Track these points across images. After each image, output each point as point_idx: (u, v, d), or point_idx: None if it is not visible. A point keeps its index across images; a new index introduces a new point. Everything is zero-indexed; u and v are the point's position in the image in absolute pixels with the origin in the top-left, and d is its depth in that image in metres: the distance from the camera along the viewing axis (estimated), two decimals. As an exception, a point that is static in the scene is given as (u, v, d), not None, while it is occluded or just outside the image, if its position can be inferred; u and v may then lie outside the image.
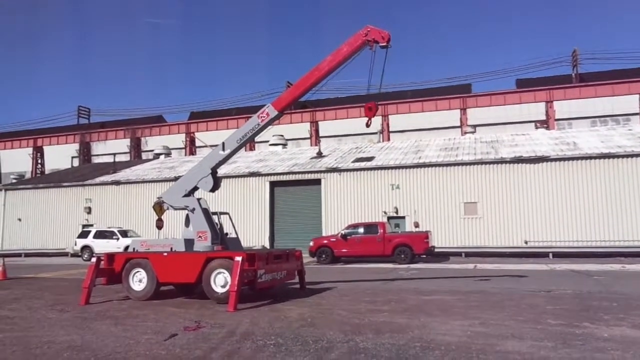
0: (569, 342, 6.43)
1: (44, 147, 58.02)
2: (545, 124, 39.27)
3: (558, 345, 6.23)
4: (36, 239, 35.03)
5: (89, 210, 34.24)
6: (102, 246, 27.34)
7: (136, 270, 11.14)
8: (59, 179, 38.64)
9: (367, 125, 12.72)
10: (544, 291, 11.64)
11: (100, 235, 28.83)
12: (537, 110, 42.89)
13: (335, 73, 12.17)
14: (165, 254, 11.11)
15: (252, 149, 45.38)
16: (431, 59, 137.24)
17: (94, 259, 11.24)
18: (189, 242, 11.56)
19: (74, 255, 30.53)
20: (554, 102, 41.47)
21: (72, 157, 58.14)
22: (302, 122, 47.98)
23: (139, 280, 11.10)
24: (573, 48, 48.69)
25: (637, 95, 40.93)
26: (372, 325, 7.75)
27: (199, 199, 12.00)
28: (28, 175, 53.99)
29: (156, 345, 6.64)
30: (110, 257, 11.64)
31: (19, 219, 35.89)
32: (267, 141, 41.87)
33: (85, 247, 28.81)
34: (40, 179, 45.15)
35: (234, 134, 12.37)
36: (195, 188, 12.27)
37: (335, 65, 11.99)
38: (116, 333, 7.50)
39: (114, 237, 28.14)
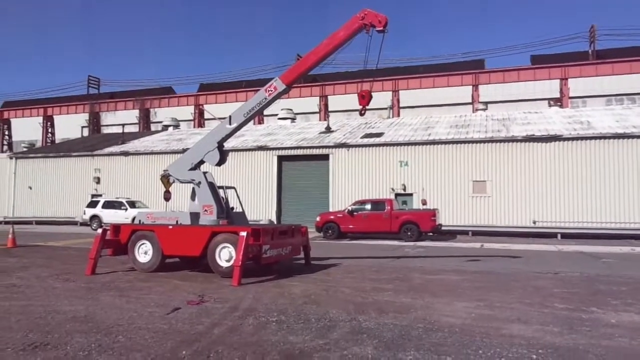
0: (575, 327, 6.33)
1: (54, 117, 58.09)
2: (558, 101, 38.56)
3: (564, 331, 6.14)
4: (46, 207, 35.37)
5: (97, 180, 34.43)
6: (111, 216, 27.58)
7: (142, 242, 11.16)
8: (68, 149, 38.78)
9: (361, 114, 12.37)
10: (551, 273, 11.53)
11: (108, 205, 29.03)
12: (550, 88, 42.05)
13: (335, 54, 11.96)
14: (171, 226, 11.11)
15: (260, 122, 45.12)
16: (444, 34, 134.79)
17: (99, 230, 11.26)
18: (194, 216, 11.54)
19: (83, 224, 30.84)
20: (569, 80, 40.56)
21: (82, 127, 58.27)
22: (311, 96, 47.48)
23: (144, 252, 11.12)
24: (591, 24, 47.48)
25: (656, 74, 39.89)
26: (375, 304, 7.70)
27: (205, 173, 11.92)
28: (39, 144, 54.27)
29: (158, 318, 6.64)
30: (116, 228, 11.66)
31: (30, 187, 36.20)
32: (276, 115, 41.59)
33: (93, 217, 29.06)
34: (50, 148, 45.35)
35: (241, 108, 12.20)
36: (202, 162, 12.18)
37: (332, 48, 11.77)
38: (120, 305, 7.52)
39: (122, 207, 28.32)
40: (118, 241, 11.42)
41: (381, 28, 11.33)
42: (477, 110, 36.27)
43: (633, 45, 43.09)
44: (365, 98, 11.91)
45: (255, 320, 6.55)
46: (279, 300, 7.97)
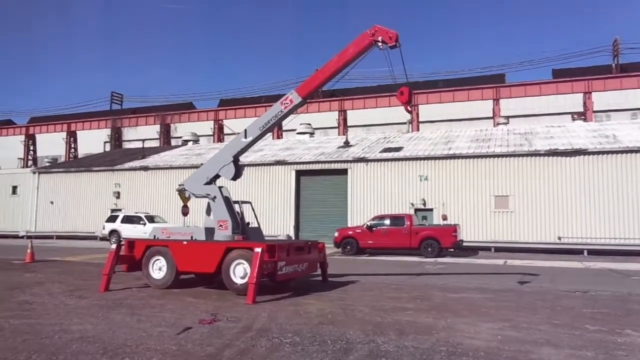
0: (611, 352, 5.89)
1: (77, 132, 59.06)
2: (582, 115, 37.73)
3: (599, 356, 5.71)
4: (67, 222, 35.72)
5: (117, 195, 34.67)
6: (130, 231, 27.62)
7: (156, 258, 10.99)
8: (89, 164, 39.25)
9: (408, 111, 12.29)
10: (580, 292, 11.00)
11: (127, 220, 29.10)
12: (573, 102, 41.25)
13: (348, 69, 11.77)
14: (185, 242, 10.92)
15: (279, 137, 45.15)
16: (464, 48, 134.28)
17: (113, 246, 11.12)
18: (209, 231, 11.32)
19: (103, 239, 30.97)
20: (592, 93, 39.74)
21: (105, 142, 59.12)
22: (330, 110, 47.39)
23: (158, 269, 10.94)
24: (614, 37, 46.66)
25: (682, 87, 38.86)
26: (395, 324, 7.34)
27: (220, 187, 11.74)
28: (62, 159, 55.16)
29: (168, 339, 6.40)
30: (131, 243, 11.52)
31: (51, 202, 36.64)
32: (294, 130, 41.56)
33: (113, 232, 29.14)
34: (72, 163, 46.01)
35: (257, 121, 12.04)
36: (217, 176, 12.01)
37: (343, 65, 11.56)
38: (130, 324, 7.30)
39: (141, 222, 28.35)
40: (132, 257, 11.27)
41: (393, 43, 11.16)
42: (498, 124, 35.67)
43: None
44: (404, 94, 11.48)
45: (268, 342, 6.26)
46: (294, 319, 7.67)
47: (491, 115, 41.55)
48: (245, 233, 11.59)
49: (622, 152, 23.47)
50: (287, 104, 11.63)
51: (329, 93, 47.07)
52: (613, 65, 45.25)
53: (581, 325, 7.36)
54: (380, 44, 11.20)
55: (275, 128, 44.92)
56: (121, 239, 25.55)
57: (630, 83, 39.14)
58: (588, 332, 6.90)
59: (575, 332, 6.88)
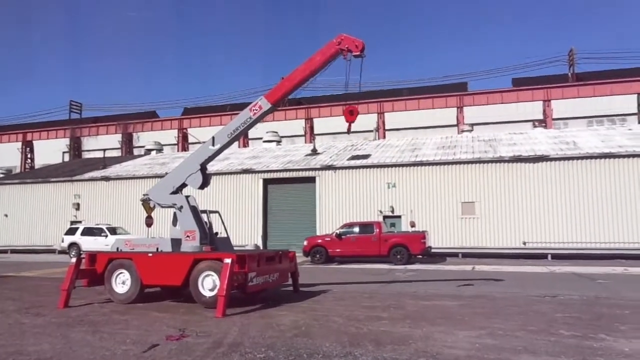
0: (588, 357, 5.86)
1: (33, 142, 56.91)
2: (542, 123, 38.81)
3: (578, 362, 5.66)
4: (23, 236, 34.19)
5: (77, 207, 33.44)
6: (90, 243, 26.63)
7: (119, 271, 10.47)
8: (47, 174, 37.77)
9: (348, 132, 11.99)
10: (549, 296, 11.09)
11: (88, 232, 28.07)
12: (533, 110, 42.43)
13: (315, 77, 11.67)
14: (150, 254, 10.45)
15: (245, 145, 44.68)
16: (427, 57, 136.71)
17: (73, 259, 10.55)
18: (176, 242, 10.89)
19: (62, 252, 29.72)
20: (552, 101, 40.99)
21: (63, 152, 57.11)
22: (296, 118, 47.28)
23: (122, 282, 10.42)
24: (570, 47, 48.35)
25: (635, 95, 40.55)
26: (371, 334, 7.15)
27: (187, 197, 11.33)
28: (17, 171, 52.97)
29: (133, 358, 6.01)
30: (92, 257, 10.96)
31: (6, 215, 35.02)
32: (261, 138, 41.21)
33: (72, 245, 28.02)
34: (28, 174, 44.20)
35: (225, 128, 11.71)
36: (184, 185, 11.60)
37: (310, 73, 11.48)
38: (92, 342, 6.85)
39: (102, 234, 27.39)
40: (94, 271, 10.71)
41: (358, 53, 11.21)
42: (462, 131, 36.29)
43: (611, 68, 43.96)
44: (353, 114, 11.51)
45: (241, 357, 5.95)
46: (267, 332, 7.37)
47: (455, 122, 42.29)
48: (214, 243, 11.22)
49: (582, 158, 24.19)
50: (256, 110, 11.37)
51: (296, 101, 46.93)
52: (569, 74, 46.85)
53: (556, 331, 7.35)
54: (345, 52, 11.21)
55: (242, 136, 44.58)
56: (81, 252, 24.56)
57: (586, 91, 40.59)
58: (564, 338, 6.88)
59: (551, 338, 6.85)
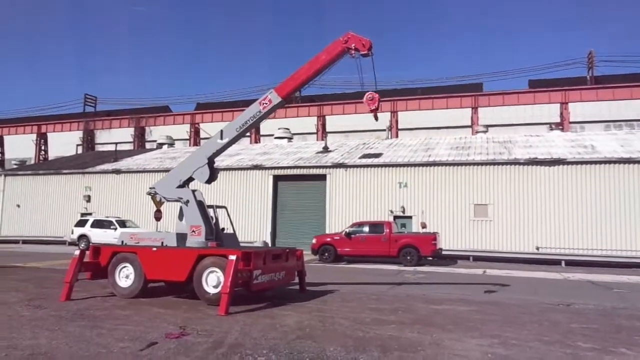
0: (608, 372, 5.51)
1: (48, 134, 57.33)
2: (559, 125, 38.10)
3: (598, 377, 5.31)
4: (35, 226, 34.33)
5: (88, 199, 33.48)
6: (100, 236, 26.66)
7: (123, 265, 10.29)
8: (59, 166, 37.92)
9: (376, 118, 11.89)
10: (564, 305, 10.68)
11: (97, 224, 28.10)
12: (549, 112, 41.69)
13: (320, 76, 11.46)
14: (155, 248, 10.25)
15: (256, 141, 44.52)
16: (443, 56, 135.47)
17: (76, 252, 10.38)
18: (181, 237, 10.66)
19: (72, 244, 29.77)
20: (569, 104, 40.21)
21: (77, 145, 57.45)
22: (309, 116, 47.00)
23: (125, 276, 10.25)
24: (588, 50, 47.46)
25: (656, 100, 39.63)
26: (378, 339, 6.86)
27: (194, 191, 11.10)
28: (32, 162, 53.39)
29: (130, 356, 5.80)
30: (96, 249, 10.80)
31: (18, 205, 35.21)
32: (272, 134, 40.99)
33: (82, 236, 28.06)
34: (41, 165, 44.49)
35: (234, 122, 11.46)
36: (190, 179, 11.35)
37: (315, 72, 11.22)
38: (89, 338, 6.65)
39: (112, 226, 27.39)
40: (97, 264, 10.55)
41: (365, 52, 10.93)
42: (477, 132, 35.72)
43: (631, 72, 43.06)
44: (374, 100, 11.29)
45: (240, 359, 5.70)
46: (270, 333, 7.11)
47: (470, 123, 41.71)
48: (220, 239, 10.96)
49: (600, 162, 23.56)
50: (266, 104, 11.11)
51: (308, 98, 46.73)
52: (588, 77, 45.96)
53: (573, 342, 6.98)
54: (352, 51, 10.93)
55: (253, 132, 44.36)
56: (90, 244, 24.53)
57: (605, 95, 39.77)
58: (581, 351, 6.52)
59: (567, 351, 6.50)
